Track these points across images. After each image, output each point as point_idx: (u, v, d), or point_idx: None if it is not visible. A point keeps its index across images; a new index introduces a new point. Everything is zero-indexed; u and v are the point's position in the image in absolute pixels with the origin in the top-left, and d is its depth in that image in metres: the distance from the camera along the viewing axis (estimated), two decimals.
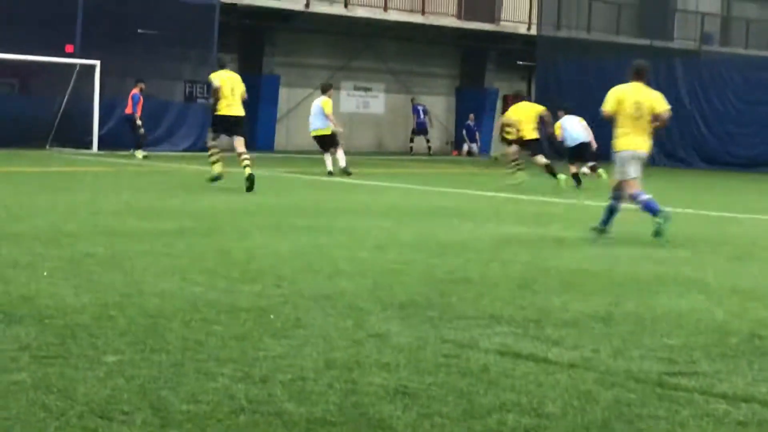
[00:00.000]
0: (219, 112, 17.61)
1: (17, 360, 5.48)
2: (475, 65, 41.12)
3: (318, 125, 22.73)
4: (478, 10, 39.35)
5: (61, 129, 29.47)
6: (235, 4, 33.04)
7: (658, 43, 40.83)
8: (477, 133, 39.88)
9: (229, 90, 17.49)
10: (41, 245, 9.72)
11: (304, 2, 34.52)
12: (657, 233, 11.77)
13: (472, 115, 39.57)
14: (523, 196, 19.04)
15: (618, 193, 12.21)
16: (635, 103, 11.98)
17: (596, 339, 6.62)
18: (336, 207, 15.14)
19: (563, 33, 40.36)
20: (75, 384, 5.09)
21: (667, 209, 12.21)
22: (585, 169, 23.90)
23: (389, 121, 39.18)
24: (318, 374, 5.49)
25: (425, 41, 39.19)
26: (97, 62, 28.69)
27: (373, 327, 6.72)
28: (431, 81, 40.87)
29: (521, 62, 42.04)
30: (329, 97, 22.97)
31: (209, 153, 18.10)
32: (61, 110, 29.58)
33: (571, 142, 22.90)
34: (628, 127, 12.03)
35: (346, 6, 35.89)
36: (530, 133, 21.79)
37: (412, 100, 39.11)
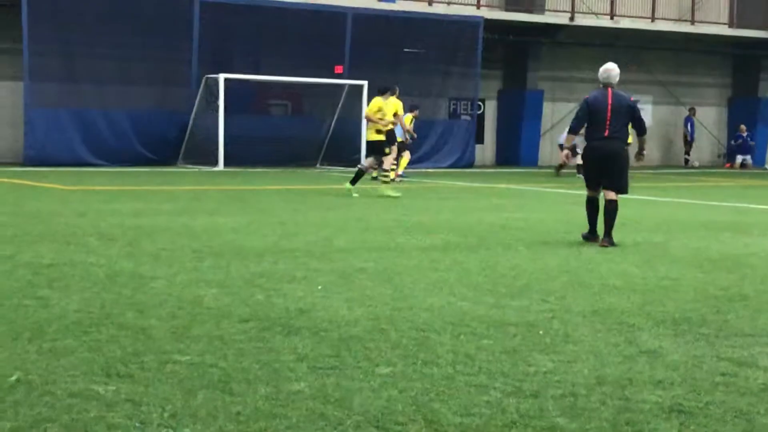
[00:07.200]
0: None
1: (295, 370, 5.68)
2: (748, 74, 39.60)
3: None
4: (751, 17, 37.92)
5: (331, 148, 30.44)
6: (499, 20, 33.20)
7: None
8: (751, 144, 38.37)
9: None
10: (315, 260, 10.06)
11: (569, 16, 34.28)
12: None
13: (743, 126, 38.11)
14: None
15: None
16: None
17: None
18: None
19: None
20: (351, 394, 5.23)
21: None
22: None
23: (658, 134, 38.29)
24: (589, 390, 5.42)
25: (695, 50, 38.11)
26: (365, 82, 29.44)
27: (645, 343, 6.58)
28: (702, 91, 39.69)
29: None
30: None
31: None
32: (330, 130, 30.57)
33: None
34: None
35: (611, 18, 35.39)
36: None
37: (690, 110, 38.14)
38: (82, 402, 4.96)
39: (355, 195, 18.57)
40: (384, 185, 19.07)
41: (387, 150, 19.21)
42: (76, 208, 15.15)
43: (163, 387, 5.27)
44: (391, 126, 19.73)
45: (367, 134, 19.73)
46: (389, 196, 18.64)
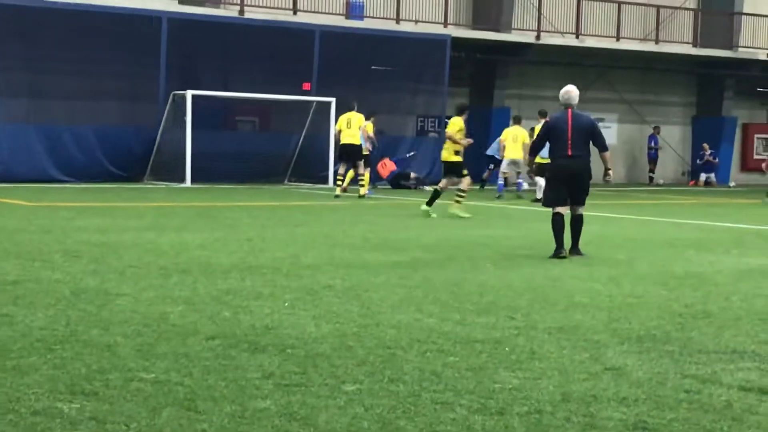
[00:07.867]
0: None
1: (261, 388, 5.68)
2: (712, 93, 39.96)
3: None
4: (715, 37, 38.27)
5: (299, 164, 30.42)
6: (466, 39, 33.34)
7: None
8: (715, 162, 38.67)
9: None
10: (282, 277, 10.05)
11: (535, 35, 34.50)
12: None
13: (706, 145, 38.47)
14: (766, 227, 18.34)
15: None
16: None
17: None
18: (567, 239, 15.00)
19: None
20: (317, 412, 5.23)
21: None
22: None
23: (623, 152, 38.54)
24: (555, 407, 5.45)
25: (659, 70, 38.43)
26: (333, 99, 29.45)
27: (610, 360, 6.62)
28: (666, 110, 40.01)
29: (762, 89, 40.63)
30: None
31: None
32: (298, 146, 30.56)
33: None
34: None
35: (577, 37, 35.64)
36: None
37: (655, 129, 38.45)
38: (46, 420, 4.94)
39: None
40: (456, 205, 18.91)
41: (465, 172, 19.06)
42: (42, 225, 15.06)
43: (128, 405, 5.25)
44: (464, 145, 19.34)
45: (445, 155, 19.17)
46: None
